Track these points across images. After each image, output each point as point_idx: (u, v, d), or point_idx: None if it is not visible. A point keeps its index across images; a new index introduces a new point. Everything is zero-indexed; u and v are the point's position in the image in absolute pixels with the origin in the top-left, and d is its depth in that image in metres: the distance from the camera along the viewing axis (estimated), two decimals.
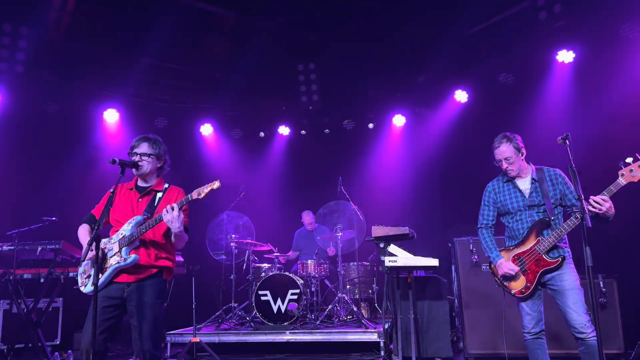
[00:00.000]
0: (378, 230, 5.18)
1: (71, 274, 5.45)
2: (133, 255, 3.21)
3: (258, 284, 6.66)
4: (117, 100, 7.84)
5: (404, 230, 5.13)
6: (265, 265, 7.30)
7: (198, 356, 5.86)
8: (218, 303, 7.10)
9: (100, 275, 3.22)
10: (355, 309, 6.57)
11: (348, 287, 6.97)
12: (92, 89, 7.69)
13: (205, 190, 3.17)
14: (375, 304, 7.03)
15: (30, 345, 5.36)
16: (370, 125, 8.87)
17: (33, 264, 5.43)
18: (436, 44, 7.54)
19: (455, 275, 5.72)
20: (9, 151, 7.21)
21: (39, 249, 5.25)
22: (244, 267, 7.28)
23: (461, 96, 8.05)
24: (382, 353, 5.67)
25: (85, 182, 7.10)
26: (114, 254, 3.24)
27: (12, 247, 5.17)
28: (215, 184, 3.17)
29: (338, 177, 6.94)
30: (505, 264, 3.56)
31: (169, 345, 6.18)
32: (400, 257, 5.00)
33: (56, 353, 5.85)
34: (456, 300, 5.93)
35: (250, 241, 7.25)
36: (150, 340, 3.15)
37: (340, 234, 6.79)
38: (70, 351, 5.94)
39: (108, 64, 7.79)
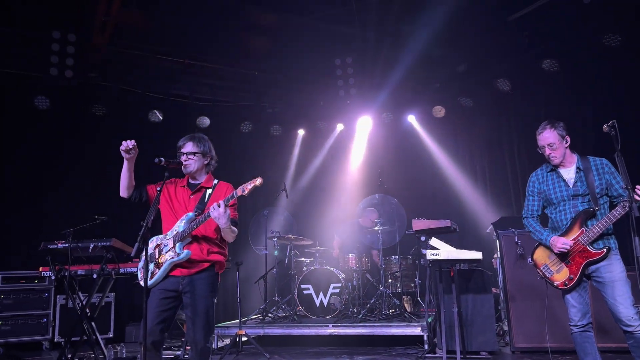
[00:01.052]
0: (419, 224, 5.15)
1: (122, 270, 5.68)
2: (186, 251, 3.33)
3: (300, 278, 6.75)
4: (160, 101, 8.07)
5: (446, 223, 5.08)
6: (307, 259, 7.37)
7: (244, 348, 6.00)
8: (262, 297, 7.23)
9: (157, 269, 3.39)
10: (397, 302, 6.56)
11: (390, 280, 6.95)
12: (136, 91, 7.94)
13: (248, 187, 3.25)
14: (418, 298, 6.99)
15: (85, 338, 5.60)
16: (409, 117, 8.79)
17: (86, 260, 5.68)
18: (476, 32, 7.39)
19: (500, 268, 5.62)
20: (60, 153, 7.57)
21: (91, 246, 5.48)
22: (286, 262, 7.38)
23: (503, 85, 7.85)
24: (426, 347, 5.64)
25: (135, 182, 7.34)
26: (169, 250, 3.39)
27: (67, 245, 5.41)
28: (258, 181, 3.24)
29: (378, 171, 6.92)
30: (559, 239, 3.43)
31: (215, 337, 6.35)
32: (442, 251, 4.95)
33: (109, 346, 6.12)
34: (501, 294, 5.84)
35: (291, 236, 7.34)
36: (202, 331, 3.29)
37: (380, 227, 6.77)
38: (122, 344, 6.20)
39: (150, 66, 8.03)
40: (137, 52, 7.64)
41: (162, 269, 3.37)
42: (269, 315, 6.90)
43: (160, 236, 3.52)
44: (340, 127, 9.12)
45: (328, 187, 8.95)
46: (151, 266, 3.42)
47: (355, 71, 8.11)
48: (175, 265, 3.37)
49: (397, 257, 7.05)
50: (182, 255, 3.32)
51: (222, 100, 8.70)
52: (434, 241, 5.18)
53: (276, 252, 7.29)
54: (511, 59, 7.70)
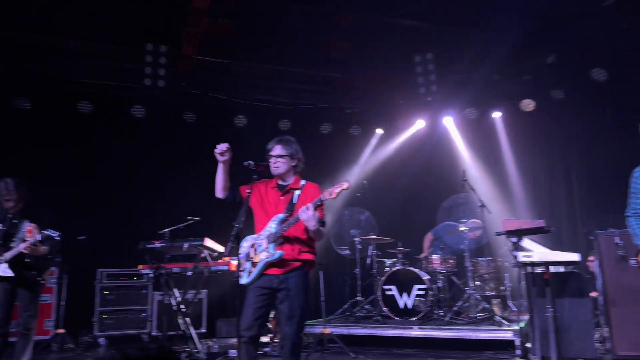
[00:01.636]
0: (510, 224, 4.94)
1: (213, 268, 5.96)
2: (279, 251, 3.49)
3: (383, 278, 6.70)
4: (244, 106, 8.35)
5: (540, 223, 4.83)
6: (389, 260, 7.31)
7: (328, 347, 6.06)
8: (344, 297, 7.27)
9: (253, 268, 3.56)
10: (486, 305, 6.33)
11: (477, 283, 6.72)
12: (222, 97, 8.28)
13: (336, 190, 3.34)
14: (508, 301, 6.70)
15: (180, 332, 5.93)
16: (496, 114, 8.42)
17: (180, 259, 6.04)
18: (568, 20, 6.95)
19: (599, 271, 5.25)
20: (154, 158, 8.06)
21: (185, 245, 5.81)
22: (368, 262, 7.37)
23: (599, 74, 7.32)
24: (518, 352, 5.39)
25: None
26: (263, 250, 3.55)
27: (163, 245, 5.77)
28: (345, 185, 3.33)
29: (461, 169, 6.72)
30: None
31: None
32: (535, 252, 4.73)
33: (202, 341, 6.43)
34: (600, 298, 5.45)
35: (373, 236, 7.31)
36: (295, 326, 3.44)
37: (466, 228, 6.56)
38: (214, 339, 6.50)
39: (234, 73, 8.35)
40: (222, 60, 7.97)
41: (258, 267, 3.53)
42: (352, 315, 6.92)
43: (254, 236, 3.68)
44: (420, 125, 8.93)
45: (409, 186, 8.81)
46: (247, 265, 3.61)
47: (436, 67, 7.92)
48: (269, 264, 3.52)
49: (484, 258, 6.80)
50: (275, 256, 3.48)
51: (302, 103, 8.85)
52: (526, 242, 4.95)
53: (353, 253, 7.31)
54: (607, 47, 7.17)
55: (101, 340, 6.94)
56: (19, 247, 4.46)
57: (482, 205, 6.29)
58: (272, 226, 3.56)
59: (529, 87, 8.16)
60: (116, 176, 7.79)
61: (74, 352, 6.39)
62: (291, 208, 3.56)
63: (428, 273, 6.73)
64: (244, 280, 3.59)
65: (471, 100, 8.43)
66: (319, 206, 3.44)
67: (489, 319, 6.19)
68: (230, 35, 7.50)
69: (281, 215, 3.56)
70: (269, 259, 3.49)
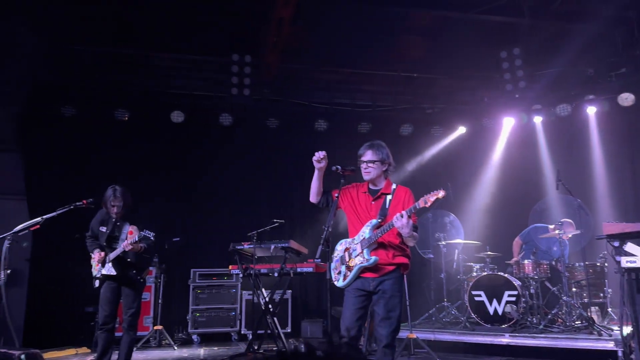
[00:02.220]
0: (611, 227, 4.62)
1: (299, 269, 6.10)
2: (374, 257, 3.54)
3: (471, 283, 6.51)
4: (324, 111, 8.47)
5: None
6: (476, 264, 7.09)
7: (415, 352, 5.98)
8: (430, 301, 7.14)
9: (348, 272, 3.65)
10: (584, 314, 5.95)
11: (574, 289, 6.33)
12: (303, 102, 8.46)
13: (431, 199, 3.34)
14: (608, 309, 6.26)
15: (268, 332, 6.11)
16: (590, 110, 7.88)
17: (268, 260, 6.24)
18: None
19: None
20: (242, 164, 8.40)
21: (272, 247, 5.99)
22: (454, 266, 7.19)
23: None
24: None
25: (305, 187, 7.84)
26: (358, 254, 3.62)
27: (252, 246, 5.99)
28: (440, 194, 3.32)
29: (556, 170, 6.37)
30: None
31: None
32: None
33: (289, 340, 6.59)
34: None
35: (458, 240, 7.13)
36: (388, 328, 3.49)
37: (561, 231, 6.21)
38: (300, 339, 6.63)
39: (314, 79, 8.51)
40: (302, 67, 8.14)
41: (353, 272, 3.61)
42: (439, 320, 6.79)
43: (348, 240, 3.75)
44: (508, 122, 8.56)
45: (496, 188, 8.49)
46: (343, 268, 3.70)
47: (524, 62, 7.57)
48: (364, 269, 3.58)
49: (581, 263, 6.40)
50: (370, 261, 3.53)
51: (381, 105, 8.82)
52: (630, 247, 4.60)
53: (438, 257, 7.15)
54: None
55: (194, 337, 7.32)
56: (121, 247, 4.82)
57: (580, 207, 5.92)
58: (365, 231, 3.61)
59: (627, 78, 7.57)
60: (207, 181, 8.21)
61: (170, 348, 6.79)
62: (384, 213, 3.60)
63: (519, 278, 6.45)
64: (339, 283, 3.69)
65: (563, 96, 7.96)
66: (412, 213, 3.45)
67: (587, 328, 5.82)
68: (311, 42, 7.65)
69: (374, 221, 3.60)
70: (364, 264, 3.56)
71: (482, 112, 8.71)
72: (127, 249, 4.80)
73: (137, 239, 4.73)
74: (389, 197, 3.68)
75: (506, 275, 6.40)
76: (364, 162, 3.71)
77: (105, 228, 5.03)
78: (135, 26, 7.08)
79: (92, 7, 6.54)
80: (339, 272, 3.71)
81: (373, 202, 3.71)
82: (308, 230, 7.76)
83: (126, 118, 7.68)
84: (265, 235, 6.05)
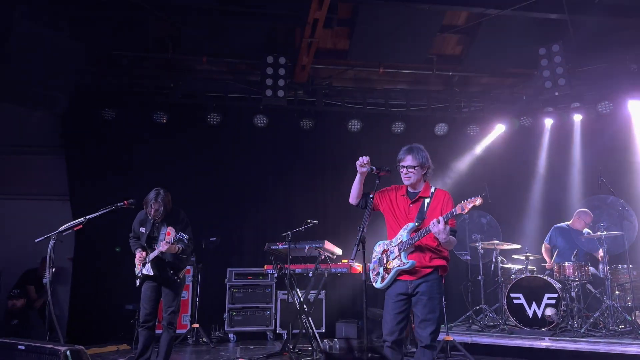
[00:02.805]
0: None
1: (333, 270, 6.12)
2: (411, 261, 3.57)
3: (509, 286, 6.38)
4: (358, 111, 8.44)
5: None
6: (515, 266, 6.93)
7: (451, 354, 5.91)
8: (467, 304, 7.03)
9: (386, 274, 3.69)
10: (628, 317, 5.75)
11: (617, 292, 6.13)
12: (336, 103, 8.47)
13: (468, 206, 3.35)
14: None
15: (303, 331, 6.15)
16: (633, 106, 7.59)
17: (302, 260, 6.28)
18: None
19: None
20: (276, 165, 8.49)
21: (306, 247, 6.04)
22: (492, 268, 7.06)
23: None
24: None
25: (338, 188, 7.84)
26: (395, 257, 3.66)
27: (286, 246, 6.04)
28: (477, 201, 3.32)
29: (598, 169, 6.17)
30: None
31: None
32: None
33: (324, 341, 6.60)
34: None
35: (496, 241, 6.99)
36: (427, 329, 3.52)
37: (604, 232, 6.01)
38: (335, 339, 6.63)
39: (348, 79, 8.49)
40: (335, 67, 8.15)
41: (391, 275, 3.65)
42: (476, 323, 6.68)
43: (386, 241, 3.79)
44: (548, 122, 8.35)
45: (536, 188, 8.28)
46: (381, 270, 3.75)
47: (564, 59, 7.35)
48: (402, 272, 3.62)
49: (625, 266, 6.18)
50: (408, 265, 3.57)
51: (415, 105, 8.74)
52: None
53: (475, 259, 7.03)
54: None
55: (231, 336, 7.43)
56: (160, 248, 4.94)
57: (624, 207, 5.73)
58: (403, 235, 3.63)
59: None
60: (243, 182, 8.32)
61: (207, 346, 6.91)
62: (422, 217, 3.61)
63: (559, 281, 6.28)
64: (377, 284, 3.74)
65: (604, 94, 7.70)
66: (450, 220, 3.44)
67: (632, 332, 5.62)
68: (343, 42, 7.65)
69: (412, 224, 3.62)
70: (401, 267, 3.59)
71: (520, 111, 8.51)
72: (163, 250, 4.92)
73: (173, 241, 4.85)
74: (427, 200, 3.68)
75: (546, 277, 6.25)
76: (404, 167, 3.73)
77: (144, 229, 5.18)
78: (173, 31, 7.25)
79: (128, 13, 6.73)
80: (377, 274, 3.76)
81: (411, 205, 3.72)
82: (342, 230, 7.75)
83: (164, 120, 7.86)
84: (299, 236, 6.08)
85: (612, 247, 6.17)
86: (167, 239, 4.87)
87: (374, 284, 3.78)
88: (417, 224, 3.59)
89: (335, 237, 6.97)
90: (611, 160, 7.42)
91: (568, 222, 7.12)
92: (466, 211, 3.34)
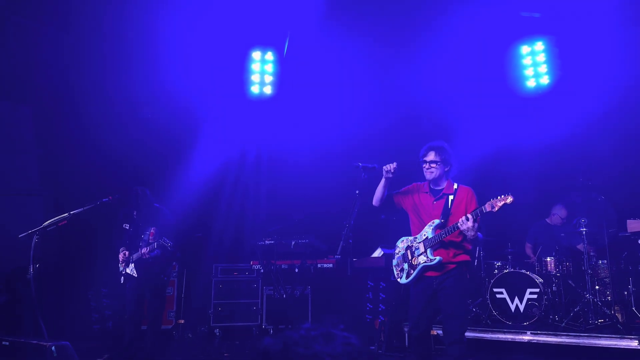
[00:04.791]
0: (635, 225, 4.60)
1: (319, 265, 6.17)
2: (438, 257, 3.62)
3: (492, 281, 6.48)
4: None
5: None
6: (498, 261, 7.03)
7: (436, 348, 5.98)
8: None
9: (411, 270, 3.75)
10: (607, 312, 5.89)
11: (597, 287, 6.26)
12: None
13: (498, 204, 3.37)
14: (633, 308, 6.17)
15: (289, 326, 6.19)
16: None
17: (289, 256, 6.31)
18: None
19: None
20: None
21: (293, 243, 6.07)
22: (475, 263, 7.15)
23: None
24: None
25: (327, 182, 7.85)
26: (421, 254, 3.70)
27: (272, 242, 6.07)
28: (509, 199, 3.31)
29: (579, 167, 6.29)
30: None
31: (406, 334, 6.44)
32: None
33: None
34: None
35: (479, 237, 7.08)
36: (455, 323, 3.55)
37: (584, 229, 6.13)
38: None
39: None
40: None
41: (417, 271, 3.70)
42: None
43: (410, 238, 3.85)
44: None
45: (521, 184, 8.34)
46: (405, 266, 3.81)
47: None
48: (427, 268, 3.66)
49: (605, 261, 6.32)
50: (435, 262, 3.61)
51: None
52: None
53: None
54: None
55: (216, 331, 7.42)
56: (142, 253, 4.96)
57: (604, 204, 5.85)
58: (428, 231, 3.68)
59: None
60: (228, 177, 8.29)
61: (193, 342, 6.91)
62: (447, 213, 3.66)
63: (542, 276, 6.40)
64: (402, 280, 3.80)
65: None
66: (478, 217, 3.48)
67: (611, 326, 5.75)
68: None
69: (437, 221, 3.67)
70: (427, 264, 3.64)
71: None
72: (145, 256, 4.94)
73: (155, 246, 4.87)
74: (451, 197, 3.73)
75: (528, 272, 6.35)
76: (427, 162, 3.78)
77: (128, 225, 5.18)
78: None
79: None
80: (402, 270, 3.81)
81: (435, 202, 3.78)
82: (329, 226, 7.78)
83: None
84: (286, 232, 6.11)
85: (592, 242, 6.28)
86: (151, 240, 4.90)
87: (398, 279, 3.83)
88: (442, 220, 3.64)
89: (323, 232, 6.99)
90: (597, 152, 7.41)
91: (547, 219, 7.25)
92: (496, 209, 3.37)
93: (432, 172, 3.75)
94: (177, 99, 7.62)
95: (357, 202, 3.73)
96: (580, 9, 6.66)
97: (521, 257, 7.21)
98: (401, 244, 3.87)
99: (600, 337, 5.40)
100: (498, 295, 6.36)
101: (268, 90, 7.99)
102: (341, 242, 3.50)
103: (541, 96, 7.79)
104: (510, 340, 5.86)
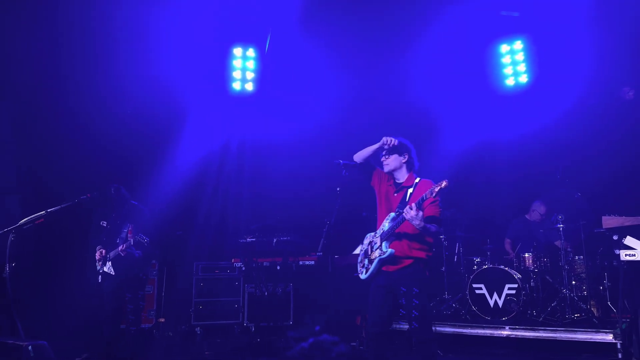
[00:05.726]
0: (610, 221, 4.66)
1: (300, 262, 6.17)
2: (390, 250, 3.58)
3: (471, 276, 6.56)
4: None
5: None
6: (477, 257, 7.12)
7: (407, 345, 6.03)
8: (431, 294, 7.17)
9: (369, 265, 3.70)
10: (584, 306, 6.01)
11: (574, 282, 6.38)
12: None
13: (435, 189, 3.37)
14: (608, 302, 6.31)
15: (271, 324, 6.18)
16: None
17: (270, 253, 6.29)
18: None
19: None
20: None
21: (275, 240, 6.06)
22: (455, 259, 7.24)
23: None
24: (620, 356, 5.08)
25: (308, 180, 7.86)
26: (377, 247, 3.67)
27: (254, 239, 6.05)
28: (443, 184, 3.33)
29: (556, 164, 6.40)
30: None
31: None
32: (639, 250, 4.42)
33: (290, 332, 6.64)
34: None
35: (459, 233, 7.17)
36: (417, 322, 3.51)
37: (562, 225, 6.24)
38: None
39: None
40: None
41: (373, 265, 3.66)
42: (440, 313, 6.84)
43: (372, 233, 3.82)
44: None
45: (496, 181, 8.46)
46: (366, 261, 3.77)
47: None
48: (383, 262, 3.62)
49: (581, 257, 6.44)
50: (387, 254, 3.56)
51: None
52: (629, 240, 4.64)
53: (439, 250, 7.16)
54: None
55: (197, 330, 7.38)
56: (119, 250, 4.92)
57: (580, 201, 5.96)
58: (385, 224, 3.67)
59: None
60: (210, 175, 8.24)
61: (173, 340, 6.85)
62: (403, 206, 3.58)
63: (520, 272, 6.49)
64: (363, 275, 3.75)
65: None
66: (431, 202, 3.47)
67: (587, 320, 5.87)
68: None
69: (393, 214, 3.65)
70: (381, 257, 3.59)
71: None
72: (122, 254, 4.91)
73: (132, 243, 4.84)
74: (410, 190, 3.70)
75: (507, 268, 6.44)
76: (383, 155, 3.80)
77: (105, 223, 5.14)
78: None
79: None
80: (363, 265, 3.78)
81: (395, 194, 3.77)
82: (310, 223, 7.78)
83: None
84: (267, 229, 6.10)
85: (569, 238, 6.40)
86: (129, 237, 4.86)
87: (360, 275, 3.79)
88: (397, 212, 3.61)
89: (304, 229, 6.99)
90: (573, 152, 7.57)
91: (526, 215, 7.37)
92: (434, 194, 3.33)
93: (388, 165, 3.77)
94: (158, 95, 7.54)
95: (339, 199, 3.72)
96: (555, 8, 6.79)
97: (500, 253, 7.32)
98: (366, 240, 3.84)
99: (577, 331, 5.50)
100: (477, 291, 6.43)
101: (249, 86, 7.96)
102: (322, 239, 3.49)
103: (520, 94, 7.93)
104: (489, 335, 5.93)
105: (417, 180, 3.75)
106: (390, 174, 3.83)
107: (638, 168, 7.07)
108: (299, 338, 6.27)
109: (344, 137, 7.40)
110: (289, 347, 5.89)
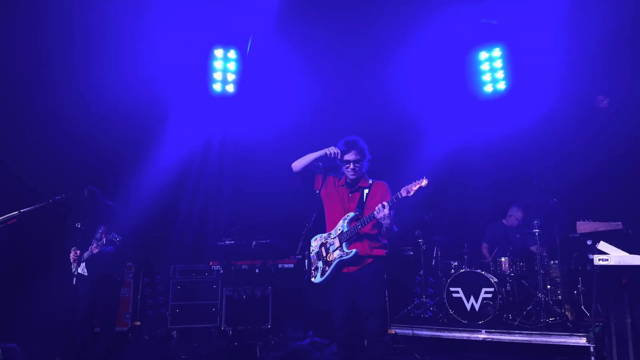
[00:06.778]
0: (584, 226, 4.74)
1: (280, 265, 6.14)
2: (354, 250, 3.56)
3: (449, 280, 6.61)
4: None
5: (617, 225, 4.61)
6: (454, 261, 7.19)
7: (393, 347, 6.06)
8: (408, 297, 7.22)
9: (327, 267, 3.65)
10: (558, 310, 6.11)
11: (549, 287, 6.48)
12: None
13: (414, 188, 3.33)
14: (582, 306, 6.42)
15: (249, 327, 6.13)
16: None
17: (249, 256, 6.25)
18: None
19: None
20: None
21: (254, 243, 6.03)
22: (433, 263, 7.29)
23: None
24: (593, 359, 5.18)
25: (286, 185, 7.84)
26: (336, 249, 3.62)
27: (233, 242, 6.01)
28: (424, 182, 3.30)
29: (532, 170, 6.50)
30: None
31: None
32: (612, 256, 4.49)
33: (270, 336, 6.60)
34: None
35: (437, 237, 7.23)
36: (374, 322, 3.50)
37: (537, 230, 6.34)
38: (280, 335, 6.63)
39: None
40: None
41: (332, 267, 3.61)
42: (417, 316, 6.88)
43: (324, 234, 3.77)
44: None
45: (477, 187, 8.56)
46: (320, 264, 3.70)
47: None
48: (343, 263, 3.59)
49: (556, 261, 6.55)
50: (351, 254, 3.53)
51: None
52: (602, 245, 4.72)
53: (417, 254, 7.20)
54: None
55: (174, 333, 7.28)
56: (92, 250, 4.86)
57: (556, 206, 6.07)
58: (343, 225, 3.62)
59: None
60: (188, 177, 8.15)
61: (149, 344, 6.75)
62: (362, 206, 3.61)
63: (496, 276, 6.57)
64: (317, 279, 3.68)
65: None
66: (394, 203, 3.46)
67: (561, 324, 5.97)
68: None
69: (352, 214, 3.62)
70: (343, 258, 3.56)
71: None
72: (94, 252, 4.85)
73: (104, 242, 4.80)
74: (366, 191, 3.70)
75: (483, 272, 6.51)
76: (350, 161, 3.70)
77: (80, 224, 5.07)
78: None
79: None
80: (316, 268, 3.70)
81: (350, 195, 3.73)
82: (289, 226, 7.75)
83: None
84: (246, 232, 6.06)
85: (545, 243, 6.50)
86: (103, 238, 4.81)
87: (312, 279, 3.71)
88: (357, 213, 3.60)
89: (283, 232, 6.96)
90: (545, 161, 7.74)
91: (503, 220, 7.47)
92: (412, 193, 3.32)
93: (356, 172, 3.68)
94: (139, 95, 7.45)
95: (318, 202, 3.71)
96: (531, 17, 6.94)
97: (477, 257, 7.39)
98: (314, 242, 3.78)
99: (551, 334, 5.59)
100: (454, 295, 6.49)
101: (230, 88, 7.93)
102: (301, 242, 3.46)
103: (498, 100, 8.05)
104: (465, 338, 5.99)
105: (370, 182, 3.75)
106: (343, 175, 3.79)
107: (612, 174, 7.25)
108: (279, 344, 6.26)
109: (323, 139, 7.38)
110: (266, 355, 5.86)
